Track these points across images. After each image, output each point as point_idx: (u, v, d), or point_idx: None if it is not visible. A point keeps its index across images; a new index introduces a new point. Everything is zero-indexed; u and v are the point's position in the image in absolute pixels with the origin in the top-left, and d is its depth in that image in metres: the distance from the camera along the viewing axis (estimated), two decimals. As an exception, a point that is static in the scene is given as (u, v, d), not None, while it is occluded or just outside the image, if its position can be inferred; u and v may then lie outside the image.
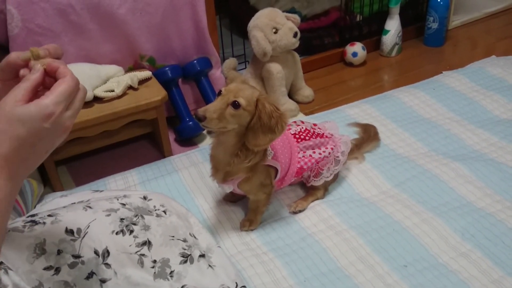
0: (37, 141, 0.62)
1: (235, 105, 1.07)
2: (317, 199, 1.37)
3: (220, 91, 1.09)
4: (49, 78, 0.68)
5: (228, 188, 1.22)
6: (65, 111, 0.64)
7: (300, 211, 1.33)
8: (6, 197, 0.59)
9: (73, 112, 0.66)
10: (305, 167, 1.28)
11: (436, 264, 1.15)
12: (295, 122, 1.35)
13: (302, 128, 1.32)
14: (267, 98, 1.11)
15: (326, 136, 1.33)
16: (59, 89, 0.64)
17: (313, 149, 1.29)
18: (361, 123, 1.61)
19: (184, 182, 1.45)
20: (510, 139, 1.54)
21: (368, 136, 1.54)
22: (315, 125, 1.36)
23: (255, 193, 1.24)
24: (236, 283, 1.04)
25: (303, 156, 1.28)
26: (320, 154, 1.29)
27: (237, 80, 1.15)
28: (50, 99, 0.63)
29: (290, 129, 1.31)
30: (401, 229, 1.24)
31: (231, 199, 1.37)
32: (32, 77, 0.66)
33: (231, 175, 1.18)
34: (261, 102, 1.09)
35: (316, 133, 1.32)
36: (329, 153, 1.30)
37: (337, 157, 1.32)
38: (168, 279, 0.97)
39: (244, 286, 1.05)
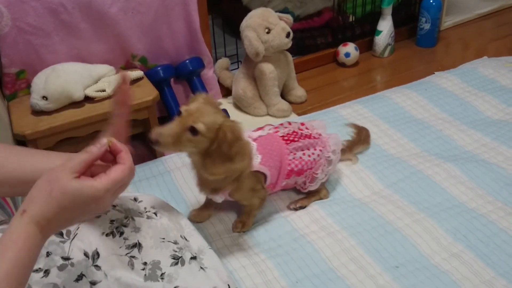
0: (77, 214, 0.68)
1: (193, 131, 0.99)
2: (320, 198, 1.36)
3: (180, 111, 1.01)
4: (108, 153, 0.73)
5: (220, 198, 1.20)
6: (110, 195, 0.69)
7: (301, 208, 1.32)
8: (39, 251, 0.66)
9: (116, 196, 0.71)
10: (295, 169, 1.27)
11: (428, 265, 1.15)
12: (282, 124, 1.32)
13: (290, 130, 1.29)
14: (231, 125, 1.03)
15: (314, 137, 1.31)
16: (114, 176, 0.68)
17: (302, 150, 1.28)
18: (356, 125, 1.61)
19: (176, 183, 1.44)
20: (502, 140, 1.55)
21: (359, 139, 1.53)
22: (302, 124, 1.34)
23: (248, 199, 1.23)
24: (228, 285, 1.03)
25: (293, 158, 1.26)
26: (309, 156, 1.28)
27: (199, 100, 1.05)
28: (103, 185, 0.67)
29: (278, 131, 1.29)
30: (393, 230, 1.24)
31: (198, 218, 1.31)
32: (94, 151, 0.70)
33: (218, 190, 1.16)
34: (223, 131, 1.01)
35: (304, 135, 1.30)
36: (318, 155, 1.29)
37: (328, 157, 1.31)
38: (159, 281, 0.96)
39: (236, 288, 1.05)
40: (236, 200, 1.23)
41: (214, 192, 1.17)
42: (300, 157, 1.27)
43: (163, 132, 0.99)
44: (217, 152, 1.03)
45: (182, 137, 1.00)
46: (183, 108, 1.02)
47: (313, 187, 1.33)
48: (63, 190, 0.65)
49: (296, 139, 1.27)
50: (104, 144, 0.72)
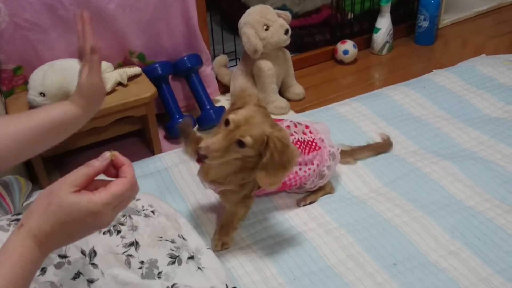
0: (76, 230, 0.65)
1: (241, 144, 0.99)
2: (328, 193, 1.37)
3: (227, 120, 0.99)
4: (112, 168, 0.71)
5: (209, 187, 1.19)
6: (111, 211, 0.66)
7: (310, 203, 1.32)
8: (36, 267, 0.64)
9: (117, 211, 0.68)
10: (288, 182, 1.26)
11: (425, 262, 1.15)
12: (288, 126, 1.29)
13: (294, 139, 1.26)
14: (279, 134, 1.02)
15: (316, 145, 1.29)
16: (113, 190, 0.65)
17: (300, 165, 1.26)
18: (387, 140, 1.54)
19: (173, 180, 1.44)
20: (500, 138, 1.55)
21: (371, 150, 1.50)
22: (307, 127, 1.32)
23: (235, 205, 1.21)
24: (226, 284, 1.03)
25: None
26: (305, 171, 1.27)
27: (250, 106, 1.03)
28: (101, 199, 0.64)
29: None
30: (391, 227, 1.24)
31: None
32: (96, 165, 0.68)
33: (221, 185, 1.15)
34: (272, 141, 1.01)
35: (306, 142, 1.27)
36: (314, 170, 1.28)
37: (323, 171, 1.30)
38: (156, 279, 0.96)
39: (234, 287, 1.04)
40: (223, 201, 1.21)
41: (213, 184, 1.16)
42: (296, 172, 1.26)
43: (211, 146, 0.98)
44: (271, 161, 1.02)
45: (229, 149, 1.00)
46: (231, 118, 0.99)
47: (299, 191, 1.34)
48: (60, 204, 0.63)
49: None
50: (106, 158, 0.69)
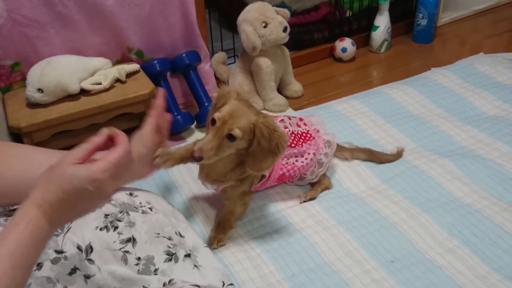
0: (79, 199, 0.70)
1: (231, 137, 1.02)
2: (326, 188, 1.37)
3: (213, 119, 1.03)
4: (111, 143, 0.77)
5: (211, 187, 1.21)
6: (109, 178, 0.71)
7: (311, 199, 1.33)
8: (45, 237, 0.69)
9: (116, 180, 0.73)
10: (287, 174, 1.27)
11: (423, 260, 1.15)
12: (282, 120, 1.31)
13: (289, 131, 1.28)
14: (264, 121, 1.05)
15: (310, 135, 1.30)
16: (108, 158, 0.72)
17: (296, 156, 1.27)
18: (400, 152, 1.48)
19: (172, 177, 1.43)
20: (497, 136, 1.55)
21: (377, 158, 1.47)
22: (301, 120, 1.34)
23: (234, 201, 1.22)
24: (223, 282, 1.03)
25: (286, 163, 1.26)
26: (302, 162, 1.27)
27: (231, 101, 1.06)
28: (98, 166, 0.70)
29: None
30: (388, 224, 1.24)
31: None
32: (94, 140, 0.74)
33: (222, 183, 1.17)
34: (258, 128, 1.04)
35: (300, 134, 1.29)
36: (311, 159, 1.29)
37: (320, 159, 1.31)
38: (153, 275, 0.96)
39: (231, 284, 1.04)
40: (224, 197, 1.22)
41: (214, 183, 1.17)
42: (293, 163, 1.27)
43: (204, 147, 1.01)
44: (258, 149, 1.05)
45: (222, 145, 1.03)
46: (216, 116, 1.03)
47: (300, 183, 1.35)
48: (61, 174, 0.69)
49: (293, 144, 1.27)
50: (104, 133, 0.75)
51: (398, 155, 1.46)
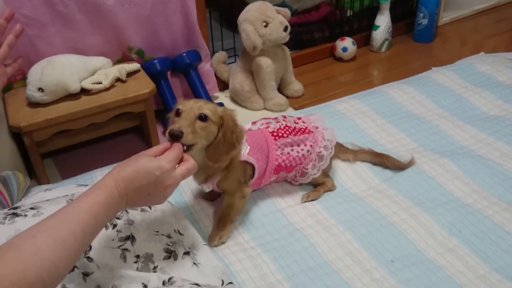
0: (146, 182, 0.84)
1: (202, 117, 1.03)
2: (329, 190, 1.37)
3: (178, 109, 1.04)
4: None
5: (208, 188, 1.20)
6: (172, 170, 0.89)
7: (313, 200, 1.33)
8: (115, 207, 0.81)
9: (175, 179, 0.89)
10: (283, 164, 1.27)
11: (423, 259, 1.15)
12: (275, 118, 1.32)
13: (282, 125, 1.29)
14: (230, 111, 1.10)
15: (309, 131, 1.31)
16: (171, 153, 0.91)
17: (291, 146, 1.28)
18: (411, 161, 1.45)
19: (172, 176, 1.43)
20: (498, 136, 1.55)
21: (378, 161, 1.46)
22: (299, 118, 1.34)
23: (233, 192, 1.21)
24: (222, 280, 1.03)
25: (281, 154, 1.26)
26: (298, 152, 1.28)
27: (189, 100, 1.08)
28: (164, 159, 0.88)
29: (269, 127, 1.29)
30: (388, 224, 1.24)
31: (209, 197, 1.34)
32: (165, 144, 0.95)
33: (210, 177, 1.17)
34: (226, 118, 1.07)
35: (297, 129, 1.30)
36: (308, 151, 1.29)
37: (320, 152, 1.31)
38: (152, 273, 0.96)
39: (231, 283, 1.05)
40: (222, 191, 1.23)
41: (205, 181, 1.18)
42: (288, 153, 1.27)
43: (181, 124, 1.00)
44: (222, 140, 1.07)
45: (195, 127, 1.02)
46: (179, 107, 1.04)
47: (304, 180, 1.34)
48: (137, 159, 0.86)
49: (285, 135, 1.27)
50: (177, 145, 0.95)
51: (411, 163, 1.44)
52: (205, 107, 1.04)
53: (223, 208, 1.25)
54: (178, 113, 1.03)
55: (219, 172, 1.16)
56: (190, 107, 1.03)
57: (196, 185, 1.23)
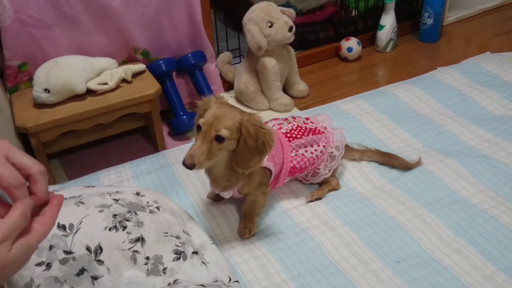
0: None
1: (219, 139, 1.02)
2: (334, 189, 1.37)
3: (199, 125, 1.03)
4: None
5: (228, 194, 1.21)
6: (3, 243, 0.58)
7: (317, 199, 1.33)
8: None
9: (14, 250, 0.60)
10: (297, 166, 1.27)
11: (429, 260, 1.15)
12: (286, 119, 1.33)
13: (294, 125, 1.30)
14: (250, 119, 1.05)
15: (319, 131, 1.31)
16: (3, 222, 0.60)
17: (305, 147, 1.28)
18: (418, 162, 1.43)
19: (177, 176, 1.44)
20: (504, 136, 1.55)
21: (386, 161, 1.45)
22: (307, 119, 1.35)
23: (254, 193, 1.23)
24: (229, 277, 1.03)
25: (295, 155, 1.27)
26: (312, 153, 1.28)
27: (212, 105, 1.07)
28: None
29: (281, 128, 1.29)
30: (394, 224, 1.24)
31: (215, 198, 1.35)
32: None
33: (231, 187, 1.17)
34: (244, 127, 1.04)
35: (308, 129, 1.30)
36: (321, 151, 1.29)
37: (331, 153, 1.32)
38: (161, 275, 0.96)
39: (237, 281, 1.05)
40: (243, 194, 1.23)
41: (225, 189, 1.18)
42: (302, 154, 1.27)
43: (194, 154, 1.01)
44: (245, 148, 1.05)
45: (212, 149, 1.02)
46: (201, 122, 1.03)
47: (315, 180, 1.34)
48: None
49: (299, 135, 1.28)
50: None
51: (418, 163, 1.43)
52: (222, 126, 1.02)
53: (246, 204, 1.26)
54: (198, 128, 1.03)
55: (240, 181, 1.16)
56: (208, 124, 1.02)
57: (206, 181, 1.23)
